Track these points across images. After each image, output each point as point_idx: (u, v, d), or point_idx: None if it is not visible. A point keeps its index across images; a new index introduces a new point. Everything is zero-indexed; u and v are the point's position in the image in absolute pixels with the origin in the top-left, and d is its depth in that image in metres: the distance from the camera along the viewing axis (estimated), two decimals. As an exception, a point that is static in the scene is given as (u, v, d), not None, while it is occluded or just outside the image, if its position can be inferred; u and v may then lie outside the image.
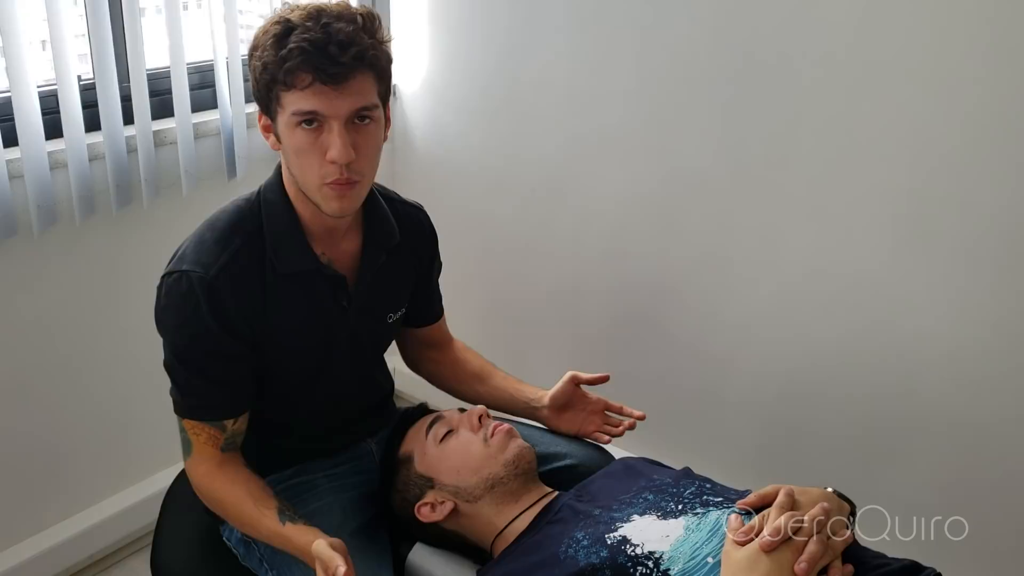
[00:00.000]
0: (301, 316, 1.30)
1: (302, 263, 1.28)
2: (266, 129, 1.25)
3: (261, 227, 1.27)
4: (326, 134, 1.17)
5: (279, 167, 1.32)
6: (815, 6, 1.72)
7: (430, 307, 1.57)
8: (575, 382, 1.50)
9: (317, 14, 1.16)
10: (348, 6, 1.21)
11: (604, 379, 1.51)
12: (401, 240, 1.39)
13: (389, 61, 1.22)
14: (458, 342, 1.64)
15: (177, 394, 1.28)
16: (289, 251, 1.27)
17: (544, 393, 1.52)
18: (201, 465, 1.29)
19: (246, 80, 2.02)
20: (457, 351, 1.62)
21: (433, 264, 1.53)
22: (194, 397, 1.27)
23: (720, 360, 2.07)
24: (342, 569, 1.09)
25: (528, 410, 1.53)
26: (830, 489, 1.16)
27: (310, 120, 1.16)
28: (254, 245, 1.26)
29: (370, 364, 1.46)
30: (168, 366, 1.28)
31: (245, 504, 1.25)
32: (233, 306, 1.23)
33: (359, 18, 1.18)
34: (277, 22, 1.16)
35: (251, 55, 1.20)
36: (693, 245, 2.03)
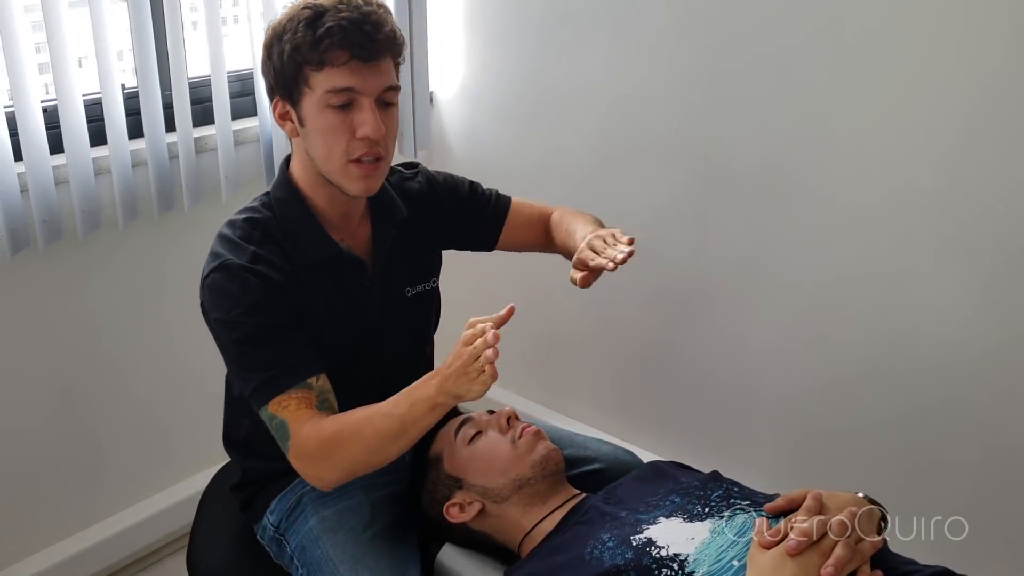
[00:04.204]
0: (332, 303, 1.32)
1: (323, 251, 1.31)
2: (283, 117, 1.28)
3: (275, 225, 1.30)
4: (356, 112, 1.22)
5: (283, 166, 1.36)
6: (851, 10, 1.70)
7: (485, 214, 1.54)
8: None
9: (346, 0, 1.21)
10: None
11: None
12: (409, 214, 1.42)
13: (404, 46, 1.28)
14: (552, 218, 1.55)
15: (251, 382, 1.22)
16: (308, 241, 1.30)
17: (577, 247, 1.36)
18: (303, 430, 1.19)
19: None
20: (548, 227, 1.54)
21: (443, 209, 1.49)
22: (268, 368, 1.21)
23: (753, 363, 2.05)
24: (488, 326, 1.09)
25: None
26: (860, 494, 1.14)
27: (344, 101, 1.21)
28: (272, 240, 1.29)
29: (404, 351, 1.45)
30: (235, 360, 1.25)
31: (357, 415, 1.19)
32: (276, 281, 1.25)
33: (381, 6, 1.24)
34: (305, 7, 1.21)
35: (272, 44, 1.24)
36: (727, 249, 2.02)
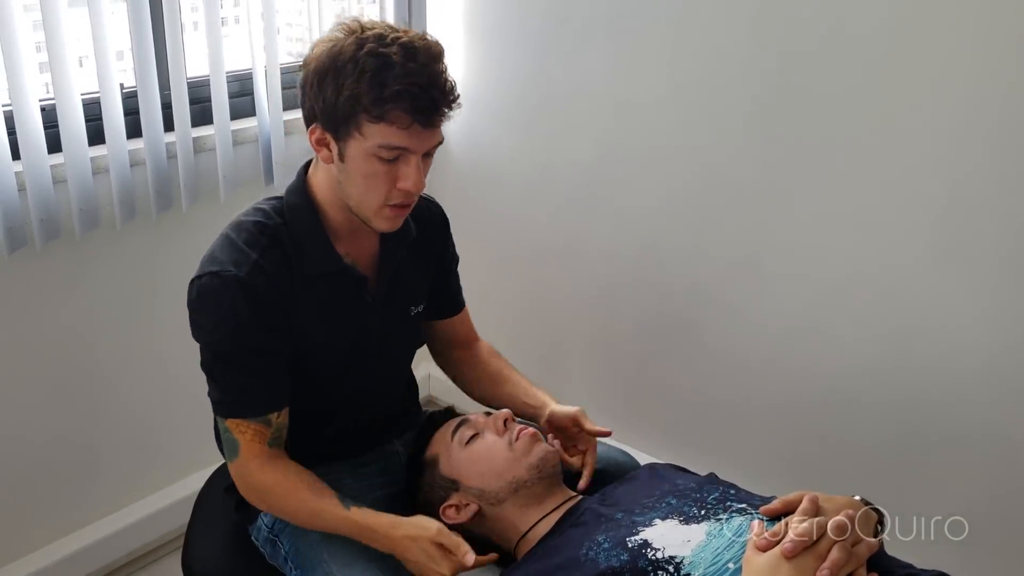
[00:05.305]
0: (329, 314, 1.32)
1: (327, 264, 1.30)
2: (320, 143, 1.25)
3: (285, 230, 1.29)
4: (402, 166, 1.21)
5: (302, 171, 1.34)
6: (851, 13, 1.71)
7: (450, 298, 1.56)
8: (577, 423, 1.43)
9: (412, 51, 1.16)
10: (425, 37, 1.21)
11: (606, 433, 1.43)
12: (417, 235, 1.41)
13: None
14: (485, 345, 1.62)
15: (218, 394, 1.27)
16: (314, 253, 1.29)
17: (548, 407, 1.46)
18: (251, 462, 1.27)
19: (285, 88, 2.06)
20: (481, 352, 1.61)
21: (447, 253, 1.52)
22: (236, 393, 1.26)
23: (752, 366, 2.05)
24: (471, 557, 1.19)
25: (531, 416, 1.49)
26: (857, 497, 1.14)
27: (394, 156, 1.20)
28: (279, 246, 1.27)
29: (398, 362, 1.46)
30: (207, 367, 1.28)
31: (302, 493, 1.26)
32: (267, 300, 1.24)
33: (442, 55, 1.21)
34: (369, 53, 1.16)
35: (326, 75, 1.18)
36: (727, 251, 2.02)
